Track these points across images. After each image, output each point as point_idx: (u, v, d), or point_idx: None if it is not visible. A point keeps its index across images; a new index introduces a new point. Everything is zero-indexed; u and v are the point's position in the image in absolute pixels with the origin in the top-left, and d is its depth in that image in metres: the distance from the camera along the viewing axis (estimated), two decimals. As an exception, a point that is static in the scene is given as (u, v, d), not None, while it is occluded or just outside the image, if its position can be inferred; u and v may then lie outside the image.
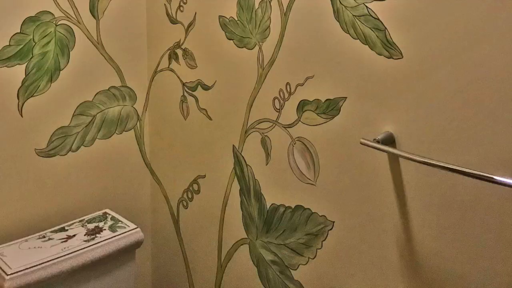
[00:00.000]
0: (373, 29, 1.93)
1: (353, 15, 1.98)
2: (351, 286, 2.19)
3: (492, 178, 1.57)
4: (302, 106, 2.24)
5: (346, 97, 2.07)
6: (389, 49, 1.89)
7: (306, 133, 2.25)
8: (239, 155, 2.58)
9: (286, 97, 2.30)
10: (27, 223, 2.76)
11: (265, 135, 2.42)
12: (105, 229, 2.67)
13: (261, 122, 2.44)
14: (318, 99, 2.17)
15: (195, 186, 2.90)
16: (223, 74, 2.59)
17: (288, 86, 2.28)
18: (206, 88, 2.70)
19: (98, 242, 2.55)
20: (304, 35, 2.18)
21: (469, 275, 1.80)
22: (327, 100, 2.14)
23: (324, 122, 2.17)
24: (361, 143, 1.94)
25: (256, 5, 2.33)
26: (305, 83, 2.21)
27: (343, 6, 2.00)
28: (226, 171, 2.69)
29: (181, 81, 2.85)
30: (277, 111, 2.35)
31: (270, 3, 2.28)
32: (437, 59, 1.76)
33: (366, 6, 1.93)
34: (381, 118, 1.96)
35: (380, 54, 1.93)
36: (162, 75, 2.99)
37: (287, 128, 2.32)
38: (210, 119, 2.72)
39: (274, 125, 2.38)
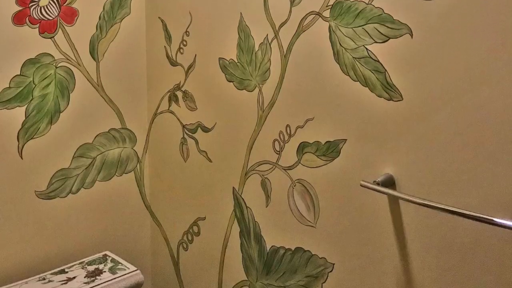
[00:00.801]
0: (373, 71, 1.94)
1: (353, 57, 1.99)
2: (352, 330, 2.18)
3: (492, 220, 1.57)
4: (302, 148, 2.24)
5: (346, 139, 2.07)
6: (389, 91, 1.90)
7: (306, 175, 2.25)
8: (239, 197, 2.58)
9: (286, 139, 2.30)
10: (27, 265, 2.74)
11: (265, 177, 2.42)
12: (105, 271, 2.66)
13: (261, 164, 2.44)
14: (318, 141, 2.18)
15: (195, 228, 2.90)
16: (223, 116, 2.60)
17: (288, 128, 2.29)
18: (206, 130, 2.71)
19: (98, 284, 2.54)
20: (304, 77, 2.19)
21: (471, 319, 1.79)
22: (327, 142, 2.14)
23: (324, 164, 2.17)
24: (361, 185, 1.94)
25: (256, 47, 2.35)
26: (305, 125, 2.22)
27: (343, 48, 2.02)
28: (226, 213, 2.68)
29: (181, 123, 2.86)
30: (277, 153, 2.35)
31: (270, 45, 2.30)
32: (437, 101, 1.77)
33: (366, 48, 1.95)
34: (381, 160, 1.96)
35: (380, 96, 1.94)
36: (162, 117, 3.00)
37: (287, 170, 2.32)
38: (210, 161, 2.72)
39: (274, 167, 2.38)
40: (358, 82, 2.00)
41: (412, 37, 1.81)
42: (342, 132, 2.09)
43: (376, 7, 1.90)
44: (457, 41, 1.70)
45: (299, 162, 2.26)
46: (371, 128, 1.98)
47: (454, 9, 1.69)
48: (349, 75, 2.03)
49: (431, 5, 1.75)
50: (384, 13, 1.88)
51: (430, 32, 1.77)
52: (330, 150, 2.13)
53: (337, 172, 2.13)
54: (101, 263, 2.75)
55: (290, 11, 2.20)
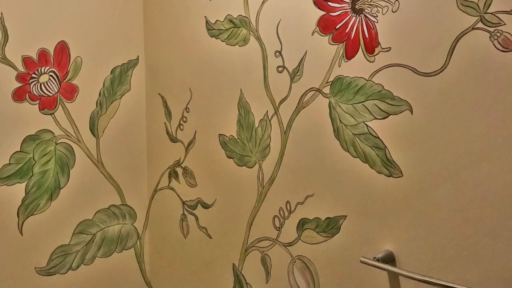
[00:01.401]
0: (373, 147, 1.95)
1: (353, 133, 2.01)
2: None
3: (495, 297, 1.55)
4: (302, 224, 2.23)
5: (346, 216, 2.07)
6: (389, 167, 1.90)
7: (306, 251, 2.23)
8: (239, 274, 2.55)
9: (286, 215, 2.30)
10: None
11: (265, 254, 2.41)
12: None
13: (261, 241, 2.42)
14: (318, 218, 2.17)
15: (195, 307, 2.86)
16: (223, 193, 2.59)
17: (288, 205, 2.29)
18: (206, 206, 2.70)
19: None
20: (304, 153, 2.20)
21: None
22: (327, 218, 2.14)
23: (324, 241, 2.15)
24: (361, 262, 1.92)
25: (256, 124, 2.37)
26: (305, 202, 2.21)
27: (343, 125, 2.03)
28: (226, 290, 2.66)
29: (181, 199, 2.86)
30: (277, 230, 2.34)
31: (270, 121, 2.31)
32: (437, 178, 1.77)
33: (366, 125, 1.96)
34: (381, 237, 1.95)
35: (380, 173, 1.94)
36: (162, 194, 3.00)
37: (287, 247, 2.30)
38: (210, 237, 2.71)
39: (274, 243, 2.36)
40: (358, 158, 2.01)
41: (412, 113, 1.83)
42: (342, 209, 2.08)
43: (376, 84, 1.92)
44: (457, 117, 1.71)
45: (299, 239, 2.25)
46: (371, 205, 1.98)
47: (454, 85, 1.71)
48: (349, 152, 2.03)
49: (431, 81, 1.77)
50: (384, 89, 1.90)
51: (430, 109, 1.78)
52: (330, 227, 2.12)
53: (337, 249, 2.11)
54: None
55: (290, 88, 2.23)
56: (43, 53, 2.61)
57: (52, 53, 2.65)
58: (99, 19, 2.85)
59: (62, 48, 2.70)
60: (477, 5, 1.63)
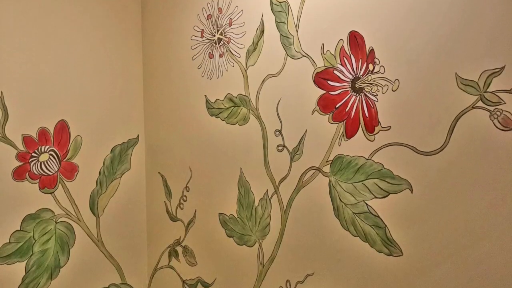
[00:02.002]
0: (373, 226, 1.92)
1: (353, 212, 1.98)
2: None
3: None
4: (303, 304, 2.19)
5: (347, 296, 2.03)
6: (389, 246, 1.87)
7: (307, 333, 2.18)
8: None
9: (286, 295, 2.26)
10: None
11: (266, 335, 2.35)
12: None
13: (262, 321, 2.37)
14: (319, 298, 2.13)
15: None
16: (223, 271, 2.55)
17: (288, 284, 2.24)
18: (206, 285, 2.65)
19: None
20: (304, 232, 2.16)
21: None
22: (328, 298, 2.09)
23: (326, 322, 2.11)
24: None
25: (256, 202, 2.34)
26: (305, 280, 2.17)
27: (343, 204, 2.01)
28: None
29: (181, 278, 2.81)
30: (277, 310, 2.30)
31: (270, 200, 2.29)
32: (437, 257, 1.74)
33: (366, 204, 1.93)
34: (384, 318, 1.91)
35: (380, 252, 1.90)
36: (162, 273, 2.95)
37: (288, 328, 2.25)
38: (210, 317, 2.65)
39: (274, 324, 2.32)
40: (358, 237, 1.97)
41: (412, 192, 1.80)
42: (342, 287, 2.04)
43: (376, 163, 1.90)
44: (457, 196, 1.69)
45: (300, 319, 2.20)
46: (371, 284, 1.94)
47: (454, 164, 1.69)
48: (349, 231, 2.00)
49: (431, 160, 1.75)
50: (384, 168, 1.88)
51: (430, 187, 1.76)
52: (332, 307, 2.08)
53: (338, 330, 2.06)
54: None
55: (290, 167, 2.21)
56: (43, 132, 2.60)
57: (52, 132, 2.65)
58: (99, 98, 2.87)
59: (62, 127, 2.71)
60: (477, 84, 1.62)
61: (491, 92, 1.59)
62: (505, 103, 1.57)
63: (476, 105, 1.63)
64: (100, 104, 2.87)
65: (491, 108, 1.60)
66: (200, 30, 2.65)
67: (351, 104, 1.97)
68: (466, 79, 1.65)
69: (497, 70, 1.58)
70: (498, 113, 1.58)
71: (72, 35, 2.79)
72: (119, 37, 2.99)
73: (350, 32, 1.97)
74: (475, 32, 1.62)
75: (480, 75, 1.61)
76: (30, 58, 2.61)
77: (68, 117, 2.73)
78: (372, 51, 1.90)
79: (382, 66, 1.87)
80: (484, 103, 1.61)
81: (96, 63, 2.88)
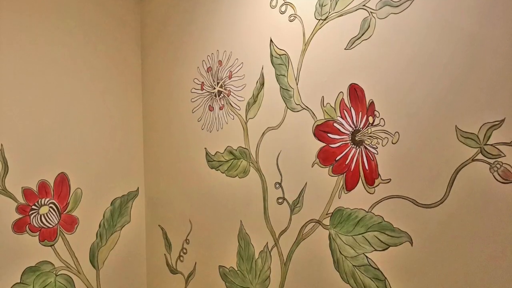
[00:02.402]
0: (373, 279, 1.90)
1: (353, 265, 1.96)
2: None
3: None
4: None
5: None
6: (390, 300, 1.85)
7: None
8: None
9: None
10: None
11: None
12: None
13: None
14: None
15: None
16: (223, 326, 2.52)
17: (289, 338, 2.21)
18: None
19: None
20: (304, 285, 2.14)
21: None
22: None
23: None
24: None
25: (256, 255, 2.32)
26: (306, 335, 2.14)
27: (343, 256, 1.99)
28: None
29: (180, 332, 2.78)
30: None
31: (270, 252, 2.27)
32: (440, 310, 1.72)
33: (366, 256, 1.92)
34: None
35: (381, 305, 1.89)
36: (161, 326, 2.92)
37: None
38: None
39: None
40: (359, 290, 1.95)
41: (412, 245, 1.79)
42: None
43: (376, 215, 1.89)
44: (457, 248, 1.67)
45: None
46: (374, 338, 1.91)
47: (454, 217, 1.68)
48: (349, 283, 1.98)
49: (431, 213, 1.74)
50: (384, 221, 1.86)
51: (430, 240, 1.74)
52: None
53: None
54: None
55: (290, 219, 2.20)
56: (43, 185, 2.59)
57: (52, 185, 2.64)
58: (99, 151, 2.88)
59: (62, 180, 2.71)
60: (477, 136, 1.62)
61: (491, 144, 1.59)
62: (505, 156, 1.56)
63: (476, 158, 1.62)
64: (100, 157, 2.87)
65: (491, 161, 1.59)
66: (200, 83, 2.66)
67: (351, 157, 1.97)
68: (466, 132, 1.64)
69: (497, 122, 1.58)
70: (498, 165, 1.58)
71: (72, 88, 2.81)
72: (119, 90, 3.01)
73: (350, 84, 1.98)
74: (475, 84, 1.63)
75: (480, 128, 1.61)
76: (30, 110, 2.62)
77: (68, 170, 2.73)
78: (372, 103, 1.90)
79: (382, 118, 1.87)
80: (484, 155, 1.61)
81: (96, 115, 2.89)
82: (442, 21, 1.71)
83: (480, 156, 1.62)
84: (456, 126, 1.67)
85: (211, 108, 2.60)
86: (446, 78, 1.70)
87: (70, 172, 2.74)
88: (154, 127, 3.02)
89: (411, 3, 1.80)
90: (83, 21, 2.90)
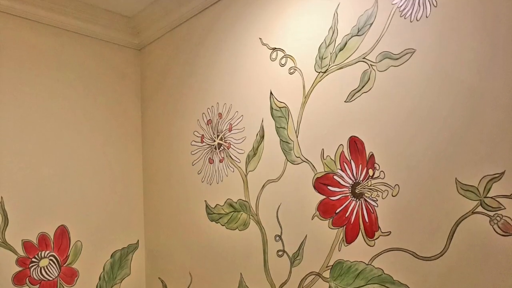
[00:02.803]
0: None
1: (354, 318, 1.95)
2: None
3: None
4: None
5: None
6: None
7: None
8: None
9: None
10: None
11: None
12: None
13: None
14: None
15: None
16: None
17: None
18: None
19: None
20: None
21: None
22: None
23: None
24: None
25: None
26: None
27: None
28: None
29: None
30: None
31: (270, 306, 2.26)
32: None
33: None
34: None
35: None
36: None
37: None
38: None
39: None
40: None
41: (413, 297, 1.78)
42: None
43: (376, 268, 1.88)
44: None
45: None
46: None
47: (454, 269, 1.67)
48: (351, 338, 1.96)
49: (431, 265, 1.73)
50: (384, 273, 1.85)
51: (431, 294, 1.74)
52: None
53: None
54: None
55: (290, 272, 2.18)
56: (43, 237, 2.58)
57: (52, 237, 2.63)
58: (99, 203, 2.88)
59: (62, 233, 2.69)
60: (477, 189, 1.62)
61: (491, 197, 1.59)
62: (505, 208, 1.56)
63: (476, 211, 1.62)
64: (100, 209, 2.87)
65: (491, 214, 1.59)
66: (200, 136, 2.67)
67: (351, 210, 1.97)
68: (466, 185, 1.65)
69: (497, 175, 1.58)
70: (498, 218, 1.58)
71: (72, 140, 2.82)
72: (119, 142, 3.02)
73: (350, 137, 1.99)
74: (475, 137, 1.64)
75: (480, 180, 1.62)
76: (30, 162, 2.62)
77: (68, 222, 2.72)
78: (372, 156, 1.91)
79: (382, 171, 1.87)
80: (484, 208, 1.61)
81: (96, 168, 2.89)
82: (442, 74, 1.74)
83: (480, 209, 1.62)
84: (456, 178, 1.67)
85: (211, 161, 2.60)
86: (446, 131, 1.71)
87: (70, 224, 2.73)
88: (154, 180, 3.02)
89: (411, 56, 1.82)
90: (83, 74, 2.93)
